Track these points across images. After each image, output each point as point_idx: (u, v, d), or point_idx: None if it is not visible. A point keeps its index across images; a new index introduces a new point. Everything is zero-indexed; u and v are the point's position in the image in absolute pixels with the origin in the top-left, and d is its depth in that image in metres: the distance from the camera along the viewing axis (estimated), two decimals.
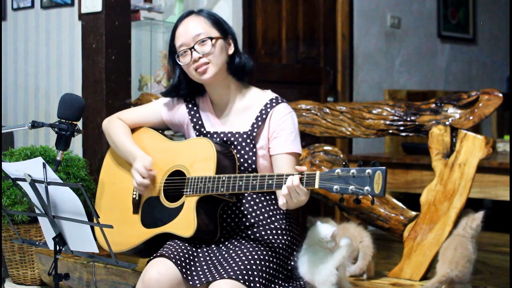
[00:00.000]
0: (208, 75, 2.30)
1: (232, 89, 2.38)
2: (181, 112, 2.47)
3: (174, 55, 2.36)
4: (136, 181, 2.32)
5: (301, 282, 2.29)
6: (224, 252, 2.23)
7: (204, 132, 2.40)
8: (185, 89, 2.42)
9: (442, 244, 2.40)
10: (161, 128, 2.52)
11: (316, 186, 1.97)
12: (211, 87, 2.38)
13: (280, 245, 2.28)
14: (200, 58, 2.29)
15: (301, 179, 2.00)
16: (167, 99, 2.50)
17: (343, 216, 2.83)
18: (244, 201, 2.33)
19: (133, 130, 2.51)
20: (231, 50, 2.35)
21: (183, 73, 2.38)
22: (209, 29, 2.31)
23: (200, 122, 2.42)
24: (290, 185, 2.00)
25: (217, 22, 2.34)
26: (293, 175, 2.02)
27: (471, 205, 2.52)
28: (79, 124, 2.42)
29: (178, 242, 2.23)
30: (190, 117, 2.44)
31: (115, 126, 2.49)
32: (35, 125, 2.28)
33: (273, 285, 2.17)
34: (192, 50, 2.29)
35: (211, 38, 2.29)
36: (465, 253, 2.26)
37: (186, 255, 2.17)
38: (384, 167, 1.89)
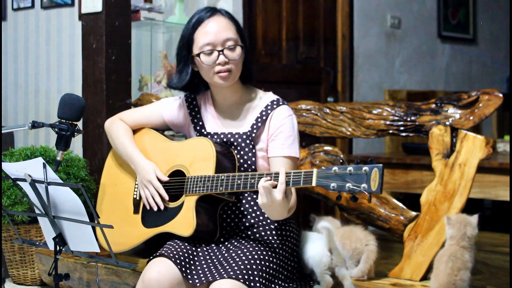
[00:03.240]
0: (228, 82, 2.30)
1: (238, 92, 2.39)
2: (182, 113, 2.47)
3: (188, 48, 2.31)
4: (151, 194, 2.31)
5: (302, 282, 2.30)
6: (224, 252, 2.23)
7: (205, 133, 2.40)
8: (194, 83, 2.39)
9: (441, 245, 2.40)
10: (163, 128, 2.52)
11: (314, 183, 1.97)
12: (218, 89, 2.37)
13: (280, 245, 2.28)
14: (226, 63, 2.27)
15: (298, 178, 2.01)
16: (169, 100, 2.50)
17: (343, 216, 2.83)
18: (244, 201, 2.33)
19: (134, 131, 2.51)
20: (243, 57, 2.35)
21: (193, 70, 2.36)
22: (236, 35, 2.30)
23: (200, 123, 2.42)
24: (260, 185, 2.03)
25: (240, 29, 2.34)
26: (291, 173, 2.03)
27: (471, 205, 2.52)
28: (79, 124, 2.42)
29: (178, 241, 2.23)
30: (191, 117, 2.44)
31: (116, 127, 2.49)
32: (35, 125, 2.28)
33: (273, 285, 2.17)
34: (220, 53, 2.27)
35: (242, 47, 2.29)
36: (457, 265, 2.24)
37: (186, 255, 2.17)
38: (380, 164, 1.89)
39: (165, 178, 2.31)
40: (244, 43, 2.32)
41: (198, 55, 2.28)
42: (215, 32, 2.27)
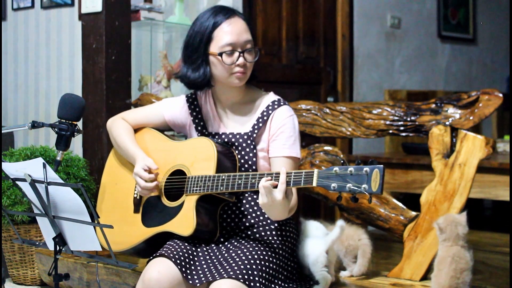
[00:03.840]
0: (242, 82, 2.32)
1: (242, 92, 2.39)
2: (183, 113, 2.47)
3: (207, 44, 2.30)
4: (139, 186, 2.32)
5: (302, 282, 2.30)
6: (224, 252, 2.23)
7: (206, 133, 2.40)
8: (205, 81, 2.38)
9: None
10: (164, 128, 2.52)
11: (314, 184, 1.97)
12: (223, 89, 2.38)
13: (280, 245, 2.28)
14: (244, 65, 2.29)
15: (298, 178, 2.01)
16: (170, 100, 2.51)
17: (343, 217, 2.83)
18: (244, 201, 2.33)
19: (136, 130, 2.52)
20: None
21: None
22: (251, 37, 2.33)
23: (202, 123, 2.42)
24: (260, 185, 2.03)
25: (253, 32, 2.36)
26: (291, 173, 2.03)
27: (471, 205, 2.52)
28: (79, 124, 2.42)
29: (178, 242, 2.23)
30: (192, 118, 2.44)
31: (118, 126, 2.49)
32: (35, 125, 2.28)
33: (273, 285, 2.17)
34: (241, 55, 2.28)
35: (259, 50, 2.33)
36: (460, 266, 2.22)
37: (186, 255, 2.17)
38: (381, 165, 1.89)
39: (154, 166, 2.31)
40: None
41: (220, 54, 2.28)
42: (237, 33, 2.29)
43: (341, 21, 5.00)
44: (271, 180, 2.05)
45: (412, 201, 2.96)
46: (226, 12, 2.32)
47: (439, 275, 2.24)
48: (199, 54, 2.32)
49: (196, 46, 2.32)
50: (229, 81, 2.32)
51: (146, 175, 2.30)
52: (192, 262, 2.17)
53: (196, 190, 2.22)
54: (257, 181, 2.10)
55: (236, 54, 2.28)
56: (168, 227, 2.27)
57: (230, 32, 2.28)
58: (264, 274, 2.13)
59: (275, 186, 2.04)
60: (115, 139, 2.49)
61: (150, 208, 2.36)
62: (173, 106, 2.49)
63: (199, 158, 2.27)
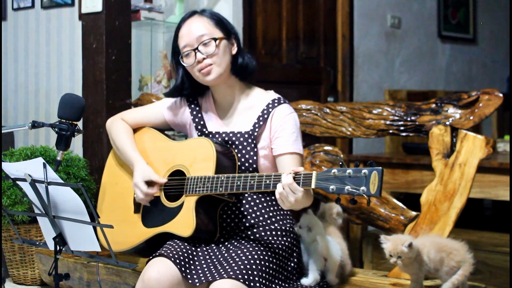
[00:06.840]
0: (212, 77, 2.30)
1: (236, 89, 2.39)
2: (183, 113, 2.47)
3: (177, 55, 2.36)
4: (137, 196, 2.33)
5: (301, 282, 2.30)
6: (224, 252, 2.23)
7: (206, 132, 2.40)
8: (188, 89, 2.42)
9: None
10: (164, 128, 2.53)
11: (313, 186, 1.97)
12: (214, 87, 2.39)
13: (280, 246, 2.28)
14: (204, 59, 2.29)
15: (297, 179, 2.00)
16: (170, 100, 2.51)
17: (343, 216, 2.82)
18: (244, 201, 2.33)
19: (135, 129, 2.52)
20: (234, 50, 2.35)
21: (186, 73, 2.38)
22: (212, 29, 2.31)
23: (202, 123, 2.42)
24: (284, 183, 2.01)
25: (220, 22, 2.34)
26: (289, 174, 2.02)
27: (471, 205, 2.51)
28: (80, 124, 2.42)
29: (178, 241, 2.23)
30: (192, 117, 2.44)
31: (117, 127, 2.49)
32: (35, 125, 2.28)
33: (273, 285, 2.17)
34: (196, 51, 2.29)
35: (215, 39, 2.29)
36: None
37: (186, 255, 2.17)
38: (380, 168, 1.89)
39: (162, 181, 2.31)
40: (228, 36, 2.33)
41: (182, 59, 2.31)
42: (188, 33, 2.31)
43: (341, 21, 5.00)
44: (290, 174, 2.01)
45: (412, 201, 2.96)
46: (184, 18, 2.36)
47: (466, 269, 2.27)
48: (175, 67, 2.39)
49: (171, 61, 2.41)
50: (201, 80, 2.34)
51: (144, 189, 2.30)
52: (192, 262, 2.17)
53: (196, 190, 2.21)
54: (255, 182, 2.10)
55: (192, 53, 2.29)
56: (168, 228, 2.27)
57: (183, 35, 2.33)
58: (264, 274, 2.13)
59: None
60: (114, 141, 2.49)
61: (150, 209, 2.36)
62: (174, 105, 2.49)
63: (198, 158, 2.27)
